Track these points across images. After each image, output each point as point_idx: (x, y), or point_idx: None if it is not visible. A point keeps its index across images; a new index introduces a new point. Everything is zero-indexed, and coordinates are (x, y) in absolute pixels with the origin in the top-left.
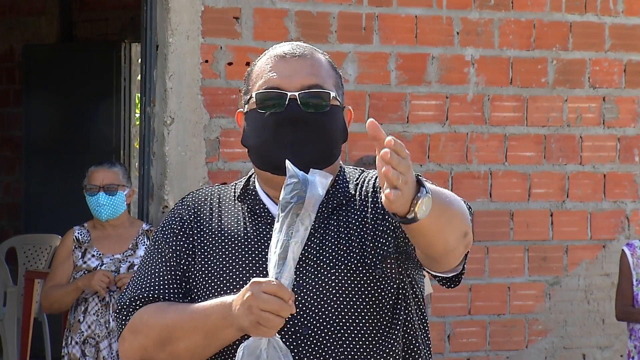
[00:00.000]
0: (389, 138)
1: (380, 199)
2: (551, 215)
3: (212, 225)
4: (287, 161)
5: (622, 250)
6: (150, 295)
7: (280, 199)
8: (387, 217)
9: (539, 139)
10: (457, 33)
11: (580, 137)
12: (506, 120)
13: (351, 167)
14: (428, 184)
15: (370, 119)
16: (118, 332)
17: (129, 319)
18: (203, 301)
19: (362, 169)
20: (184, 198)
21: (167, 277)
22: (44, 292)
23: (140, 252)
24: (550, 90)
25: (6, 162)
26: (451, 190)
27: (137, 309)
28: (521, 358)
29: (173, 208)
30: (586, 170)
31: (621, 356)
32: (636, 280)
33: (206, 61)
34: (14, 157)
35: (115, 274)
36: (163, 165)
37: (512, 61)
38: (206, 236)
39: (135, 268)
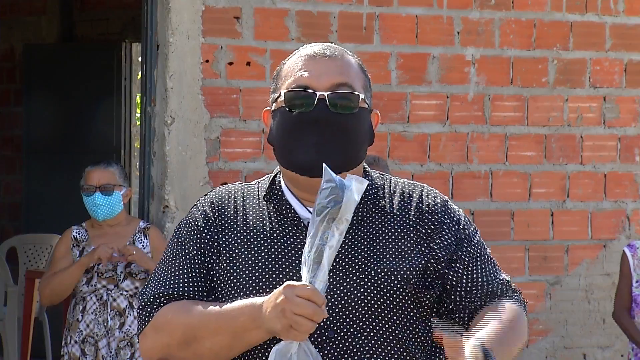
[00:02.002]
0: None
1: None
2: (552, 215)
3: (237, 224)
4: (324, 165)
5: (623, 251)
6: (175, 292)
7: (316, 203)
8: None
9: (540, 138)
10: (458, 33)
11: (581, 136)
12: (507, 120)
13: (376, 171)
14: (495, 349)
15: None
16: (140, 329)
17: (152, 315)
18: (228, 301)
19: (381, 172)
20: (206, 194)
21: (192, 274)
22: (42, 281)
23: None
24: (550, 90)
25: (6, 162)
26: (451, 191)
27: (161, 306)
28: (522, 358)
29: (196, 204)
30: (587, 170)
31: (622, 356)
32: (636, 282)
33: (207, 61)
34: (14, 157)
35: (113, 273)
36: (164, 165)
37: (512, 61)
38: (231, 234)
39: (158, 263)
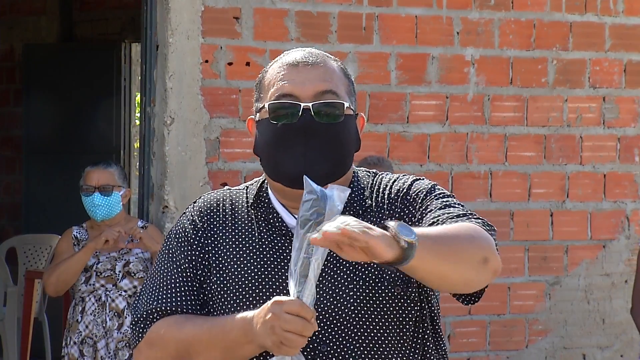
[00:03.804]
0: (332, 230)
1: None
2: (551, 215)
3: (225, 234)
4: (304, 177)
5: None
6: (168, 307)
7: (299, 215)
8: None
9: (539, 139)
10: (457, 33)
11: (581, 137)
12: (506, 120)
13: (364, 169)
14: (412, 229)
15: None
16: (134, 344)
17: (146, 331)
18: (220, 314)
19: (374, 171)
20: (195, 202)
21: (185, 288)
22: (47, 272)
23: (136, 249)
24: (550, 90)
25: (6, 162)
26: (451, 191)
27: (154, 322)
28: (521, 358)
29: (184, 213)
30: (586, 170)
31: (621, 356)
32: None
33: (206, 61)
34: (14, 157)
35: (112, 272)
36: (163, 165)
37: (512, 61)
38: (220, 245)
39: (148, 274)
